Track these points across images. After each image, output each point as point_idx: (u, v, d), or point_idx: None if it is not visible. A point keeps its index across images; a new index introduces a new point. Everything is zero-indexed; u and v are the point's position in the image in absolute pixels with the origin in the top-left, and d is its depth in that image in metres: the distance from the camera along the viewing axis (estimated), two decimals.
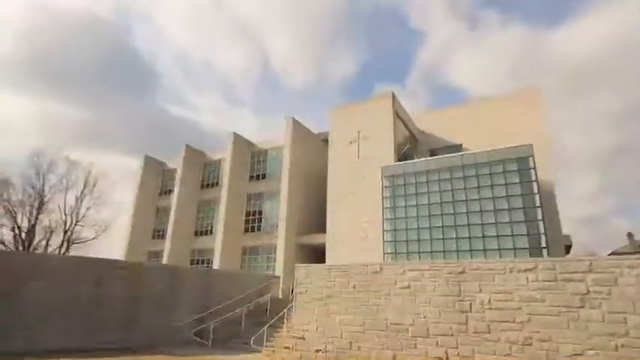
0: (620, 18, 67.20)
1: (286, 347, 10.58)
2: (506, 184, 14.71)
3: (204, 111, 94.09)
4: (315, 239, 21.33)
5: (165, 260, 25.56)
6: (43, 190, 28.85)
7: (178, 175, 27.92)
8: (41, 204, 28.46)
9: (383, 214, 16.88)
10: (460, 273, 9.29)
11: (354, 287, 10.40)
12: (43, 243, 28.50)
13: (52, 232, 28.70)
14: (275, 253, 21.69)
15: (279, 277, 18.63)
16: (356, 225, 18.32)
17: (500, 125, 19.73)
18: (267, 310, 14.25)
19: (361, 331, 9.84)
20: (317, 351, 10.13)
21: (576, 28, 76.65)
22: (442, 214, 15.44)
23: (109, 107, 71.10)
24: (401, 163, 17.62)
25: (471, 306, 8.91)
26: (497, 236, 14.22)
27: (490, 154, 15.39)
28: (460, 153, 16.84)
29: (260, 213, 24.57)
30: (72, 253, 28.93)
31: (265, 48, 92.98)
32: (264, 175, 25.42)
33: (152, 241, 29.35)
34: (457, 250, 14.71)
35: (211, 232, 26.34)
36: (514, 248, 13.82)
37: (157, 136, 73.94)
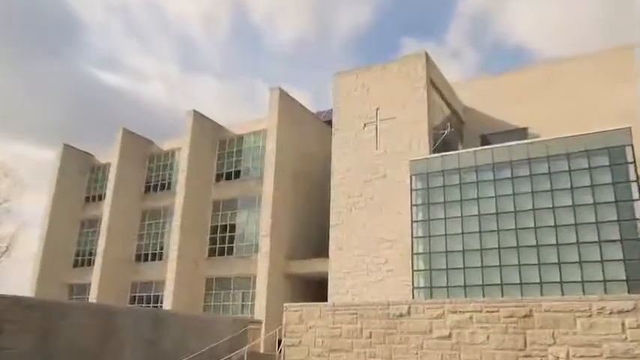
0: None
1: None
2: (592, 187, 14.68)
3: (152, 80, 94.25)
4: (313, 266, 21.33)
5: (93, 296, 25.55)
6: None
7: (113, 173, 27.95)
8: None
9: (412, 230, 16.84)
10: (525, 316, 9.26)
11: (369, 337, 10.38)
12: None
13: None
14: (254, 286, 21.70)
15: (260, 322, 18.62)
16: (372, 246, 18.31)
17: (581, 100, 19.76)
18: None
19: None
20: None
21: None
22: (499, 231, 15.40)
23: (10, 74, 71.10)
24: (439, 155, 17.59)
25: None
26: (580, 262, 14.20)
27: (569, 142, 15.37)
28: (525, 141, 16.82)
29: (232, 228, 24.56)
30: None
31: None
32: (238, 172, 25.42)
33: (74, 270, 29.35)
34: (521, 283, 14.67)
35: (160, 257, 26.35)
36: (604, 280, 13.79)
37: (82, 117, 74.05)
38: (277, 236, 21.81)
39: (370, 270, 18.10)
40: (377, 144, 19.49)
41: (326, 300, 18.11)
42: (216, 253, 24.48)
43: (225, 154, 26.14)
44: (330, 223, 19.69)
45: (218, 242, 24.62)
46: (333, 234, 19.49)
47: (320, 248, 21.42)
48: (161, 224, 27.27)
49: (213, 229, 24.97)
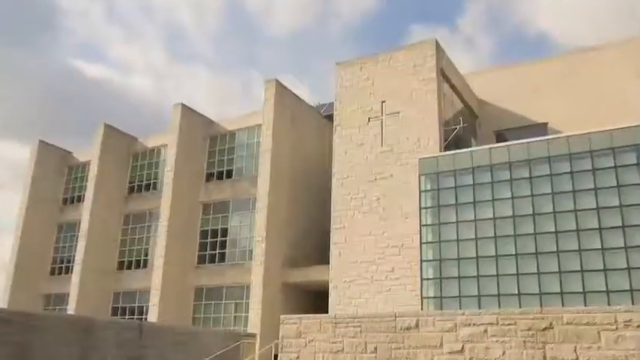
0: None
1: None
2: (618, 187, 14.70)
3: (137, 71, 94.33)
4: (312, 274, 21.35)
5: (72, 308, 25.57)
6: None
7: (93, 173, 27.98)
8: None
9: (421, 234, 16.86)
10: (545, 329, 9.28)
11: (374, 351, 10.39)
12: None
13: None
14: (248, 297, 21.71)
15: (254, 336, 18.63)
16: (377, 252, 18.32)
17: (606, 93, 19.77)
18: None
19: None
20: None
21: None
22: (516, 236, 15.42)
23: None
24: (450, 153, 17.61)
25: None
26: (605, 270, 14.22)
27: (592, 139, 15.39)
28: (545, 137, 16.84)
29: (224, 233, 24.57)
30: None
31: None
32: (231, 172, 25.44)
33: (51, 278, 29.36)
34: (540, 293, 14.70)
35: (145, 265, 26.37)
36: (631, 290, 13.80)
37: (60, 111, 74.10)
38: (273, 242, 21.81)
39: (375, 279, 18.11)
40: (382, 141, 19.50)
41: (327, 311, 18.11)
42: (207, 261, 24.50)
43: (216, 152, 26.17)
44: (331, 227, 19.70)
45: (208, 248, 24.63)
46: (334, 239, 19.49)
47: (320, 255, 21.43)
48: (146, 229, 27.29)
49: (203, 234, 24.99)
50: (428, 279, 16.39)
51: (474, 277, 15.68)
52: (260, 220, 21.97)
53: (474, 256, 15.81)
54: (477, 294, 15.50)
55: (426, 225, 16.94)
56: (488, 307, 14.66)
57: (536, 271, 14.94)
